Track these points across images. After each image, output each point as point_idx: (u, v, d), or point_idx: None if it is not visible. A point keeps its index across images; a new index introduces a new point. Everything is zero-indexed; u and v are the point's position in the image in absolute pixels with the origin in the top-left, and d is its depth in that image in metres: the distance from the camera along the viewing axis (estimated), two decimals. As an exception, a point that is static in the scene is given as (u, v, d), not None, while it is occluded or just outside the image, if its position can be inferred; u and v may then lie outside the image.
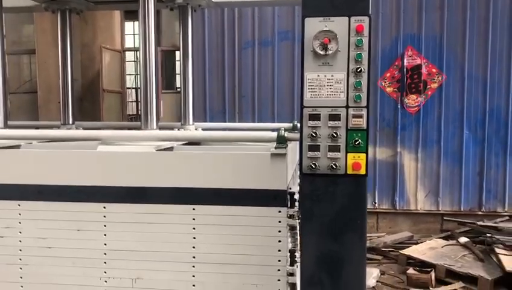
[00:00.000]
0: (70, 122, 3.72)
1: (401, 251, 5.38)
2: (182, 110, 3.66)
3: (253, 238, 2.39)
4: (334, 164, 2.11)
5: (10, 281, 2.53)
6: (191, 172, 2.41)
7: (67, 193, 2.47)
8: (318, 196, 2.15)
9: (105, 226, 2.47)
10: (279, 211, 2.36)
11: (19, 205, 2.51)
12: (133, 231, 2.45)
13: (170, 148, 2.73)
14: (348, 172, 2.11)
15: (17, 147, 2.72)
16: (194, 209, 2.42)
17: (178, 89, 8.58)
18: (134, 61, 10.23)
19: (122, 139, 2.64)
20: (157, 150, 2.48)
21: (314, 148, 2.12)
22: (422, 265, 5.05)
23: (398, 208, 6.59)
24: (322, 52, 2.08)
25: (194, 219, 2.42)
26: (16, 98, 7.12)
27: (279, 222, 2.37)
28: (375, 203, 6.58)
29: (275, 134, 2.41)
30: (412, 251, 5.33)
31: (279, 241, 2.38)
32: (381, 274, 5.06)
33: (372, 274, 4.94)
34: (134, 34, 10.92)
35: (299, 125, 2.44)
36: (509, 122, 6.35)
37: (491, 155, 6.40)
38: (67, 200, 2.47)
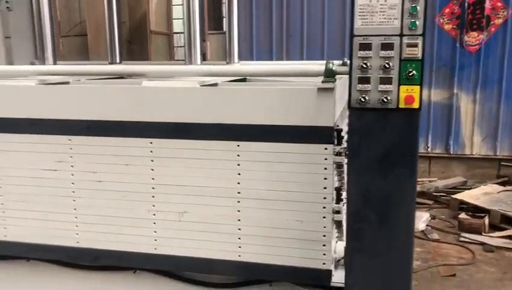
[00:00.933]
0: (117, 61, 3.73)
1: (453, 196, 5.21)
2: (227, 48, 3.58)
3: (298, 175, 2.34)
4: (385, 97, 1.98)
5: (65, 212, 2.64)
6: (236, 108, 2.36)
7: (114, 128, 2.50)
8: (367, 132, 2.05)
9: (152, 161, 2.49)
10: (326, 148, 2.29)
11: (70, 140, 2.57)
12: (179, 166, 2.46)
13: (214, 84, 2.68)
14: (400, 106, 1.99)
15: (66, 83, 2.76)
16: (238, 145, 2.39)
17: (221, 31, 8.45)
18: (181, 5, 10.09)
19: (167, 74, 2.61)
20: (201, 86, 2.43)
21: (364, 80, 2.00)
22: (475, 210, 4.88)
23: (452, 153, 6.34)
24: (375, -25, 1.90)
25: (238, 156, 2.40)
26: (67, 41, 7.26)
27: (325, 159, 2.30)
28: (427, 147, 6.35)
29: (322, 67, 2.29)
30: (465, 196, 5.16)
31: (325, 178, 2.32)
32: (431, 218, 4.94)
33: (422, 218, 4.84)
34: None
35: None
36: None
37: (557, 97, 5.95)
38: (115, 135, 2.51)
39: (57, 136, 2.57)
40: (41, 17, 2.80)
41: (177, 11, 9.36)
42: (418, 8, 1.91)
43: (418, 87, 1.96)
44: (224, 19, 8.29)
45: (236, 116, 2.37)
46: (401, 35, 1.95)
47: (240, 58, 6.74)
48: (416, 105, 1.97)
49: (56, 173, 2.62)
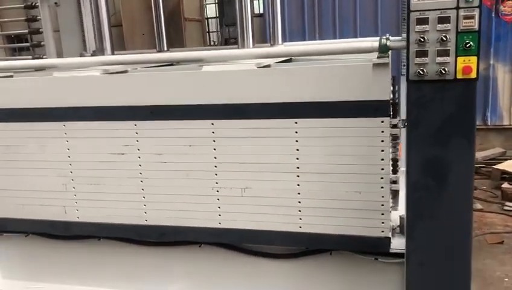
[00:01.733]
0: (165, 48, 3.87)
1: (494, 166, 5.23)
2: (271, 31, 3.67)
3: (356, 149, 2.45)
4: (443, 69, 2.06)
5: (133, 192, 2.82)
6: (292, 87, 2.47)
7: (177, 111, 2.64)
8: (426, 103, 2.14)
9: (214, 141, 2.64)
10: (382, 121, 2.38)
11: (135, 125, 2.73)
12: (239, 145, 2.60)
13: (268, 66, 2.79)
14: (458, 77, 2.07)
15: (125, 72, 2.91)
16: (296, 122, 2.50)
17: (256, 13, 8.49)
18: None
19: (223, 58, 2.73)
20: (258, 68, 2.55)
21: (422, 54, 2.08)
22: (518, 180, 4.90)
23: (489, 124, 6.33)
24: (431, -49, 1.97)
25: (296, 132, 2.51)
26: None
27: (382, 132, 2.39)
28: (464, 119, 6.33)
29: (375, 44, 2.38)
30: (506, 166, 5.18)
31: (382, 150, 2.42)
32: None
33: (463, 189, 4.87)
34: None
35: (391, 38, 2.39)
36: None
37: None
38: (178, 119, 2.66)
39: (123, 122, 2.74)
40: (99, 9, 2.94)
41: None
42: (474, -20, 1.97)
43: (475, 57, 2.04)
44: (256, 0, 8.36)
45: (292, 95, 2.48)
46: (457, 7, 2.02)
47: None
48: (473, 75, 2.05)
49: (123, 157, 2.79)
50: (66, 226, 3.00)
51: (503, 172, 5.06)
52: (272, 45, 3.65)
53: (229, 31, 8.69)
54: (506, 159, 5.66)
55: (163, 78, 2.67)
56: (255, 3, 7.63)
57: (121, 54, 3.38)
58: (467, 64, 2.05)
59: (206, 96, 2.59)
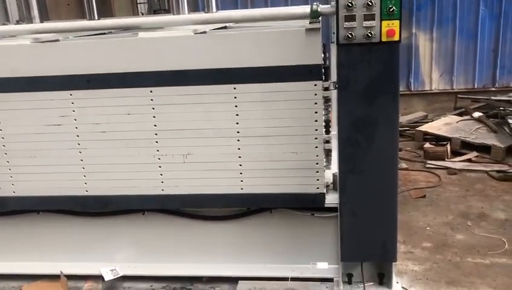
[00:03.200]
0: (96, 18, 3.76)
1: (417, 128, 5.63)
2: (205, -2, 3.67)
3: (291, 112, 2.58)
4: (370, 32, 2.22)
5: (72, 164, 2.79)
6: (230, 53, 2.54)
7: (114, 80, 2.63)
8: (354, 65, 2.30)
9: (153, 109, 2.66)
10: (315, 85, 2.52)
11: (71, 95, 2.68)
12: (179, 111, 2.64)
13: (204, 32, 2.83)
14: (383, 39, 2.24)
15: (56, 40, 2.83)
16: (234, 88, 2.58)
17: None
18: None
19: (160, 24, 2.73)
20: (195, 33, 2.58)
21: (350, 18, 2.22)
22: (438, 140, 5.31)
23: (413, 90, 6.74)
24: None
25: (235, 97, 2.60)
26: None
27: (315, 94, 2.54)
28: (390, 86, 6.71)
29: (307, 9, 2.49)
30: (428, 127, 5.58)
31: (316, 112, 2.56)
32: (399, 151, 5.35)
33: (390, 150, 5.21)
34: None
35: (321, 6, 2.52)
36: (527, -5, 6.24)
37: (506, 30, 6.38)
38: (115, 87, 2.64)
39: (58, 92, 2.68)
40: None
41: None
42: (396, -52, 2.12)
43: (398, 21, 2.21)
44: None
45: (230, 60, 2.55)
46: (381, -26, 2.17)
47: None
48: (396, 38, 2.23)
49: (60, 128, 2.74)
50: (1, 202, 2.92)
51: (425, 133, 5.46)
52: (206, 13, 3.66)
53: (157, 2, 8.50)
54: (428, 122, 6.08)
55: (98, 45, 2.63)
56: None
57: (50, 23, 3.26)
58: (391, 28, 2.21)
59: (143, 63, 2.59)
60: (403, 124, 6.19)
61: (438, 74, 6.64)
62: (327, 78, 2.67)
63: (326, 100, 2.67)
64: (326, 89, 2.59)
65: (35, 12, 2.87)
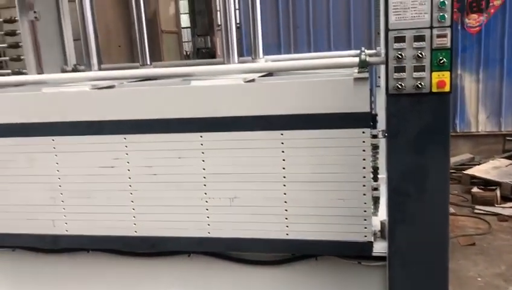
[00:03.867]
0: (148, 62, 3.94)
1: (464, 172, 5.48)
2: (252, 44, 3.80)
3: (339, 158, 2.59)
4: (420, 83, 2.23)
5: (123, 204, 2.88)
6: (277, 100, 2.60)
7: (166, 125, 2.73)
8: (404, 115, 2.30)
9: (203, 153, 2.73)
10: (363, 132, 2.53)
11: (125, 139, 2.80)
12: (228, 156, 2.70)
13: (252, 80, 2.91)
14: (433, 90, 2.24)
15: (112, 87, 2.98)
16: (282, 134, 2.63)
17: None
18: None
19: (211, 73, 2.84)
20: (245, 82, 2.67)
21: (400, 69, 2.24)
22: (486, 184, 5.15)
23: (458, 131, 6.62)
24: (406, -25, 2.14)
25: (282, 143, 2.64)
26: (77, 44, 7.42)
27: (363, 142, 2.54)
28: (434, 127, 6.61)
29: (356, 59, 2.53)
30: (475, 171, 5.43)
31: (364, 159, 2.56)
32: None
33: (436, 194, 5.09)
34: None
35: (366, 51, 2.56)
36: None
37: (556, 72, 6.23)
38: (168, 132, 2.74)
39: (113, 136, 2.81)
40: (85, 24, 3.01)
41: (184, 7, 9.67)
42: (446, 2, 2.15)
43: (449, 73, 2.21)
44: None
45: (278, 108, 2.60)
46: (431, 27, 2.19)
47: (249, 53, 7.01)
48: (447, 89, 2.23)
49: (113, 170, 2.85)
50: (54, 240, 3.03)
51: (473, 177, 5.31)
52: (253, 59, 3.78)
53: (201, 41, 8.81)
54: (474, 165, 5.94)
55: (152, 93, 2.75)
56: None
57: (107, 70, 3.44)
58: (441, 79, 2.22)
59: (194, 110, 2.69)
60: (448, 166, 6.05)
61: (485, 116, 6.50)
62: (375, 125, 2.67)
63: (374, 147, 2.67)
64: (374, 136, 2.59)
65: (94, 60, 3.03)
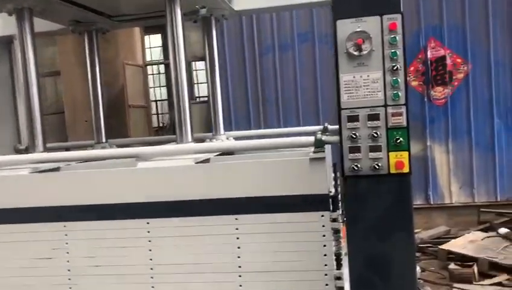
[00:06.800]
0: (103, 140, 3.77)
1: (440, 246, 5.29)
2: (213, 120, 3.68)
3: (298, 245, 2.38)
4: (377, 164, 2.09)
5: (61, 301, 2.57)
6: (231, 182, 2.42)
7: (110, 211, 2.50)
8: (362, 198, 2.14)
9: (149, 241, 2.49)
10: (322, 216, 2.35)
11: (65, 226, 2.55)
12: (177, 244, 2.47)
13: (207, 160, 2.75)
14: (391, 171, 2.09)
15: (57, 169, 2.77)
16: (236, 219, 2.43)
17: (198, 99, 8.65)
18: (157, 74, 10.51)
19: (161, 154, 2.67)
20: (196, 163, 2.50)
21: (355, 149, 2.11)
22: (463, 259, 4.95)
23: (432, 203, 6.49)
24: (356, 53, 2.07)
25: (237, 229, 2.43)
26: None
27: (323, 226, 2.36)
28: (408, 199, 6.49)
29: (311, 138, 2.40)
30: (452, 246, 5.24)
31: (324, 245, 2.36)
32: (421, 271, 4.98)
33: (412, 271, 4.85)
34: (156, 47, 11.22)
35: (329, 127, 2.44)
36: (540, 107, 6.20)
37: (524, 141, 6.27)
38: (111, 219, 2.51)
39: (51, 224, 2.56)
40: (31, 103, 2.85)
41: (151, 80, 9.76)
42: (399, 80, 2.06)
43: (407, 153, 2.08)
44: (195, 85, 8.56)
45: (232, 190, 2.42)
46: (385, 105, 2.08)
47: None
48: (406, 170, 2.08)
49: (51, 261, 2.57)
50: None
51: (449, 252, 5.11)
52: (213, 135, 3.65)
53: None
54: (451, 238, 5.76)
55: (95, 176, 2.55)
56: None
57: (54, 149, 3.25)
58: (399, 160, 2.08)
59: (141, 194, 2.48)
60: (424, 240, 5.86)
61: (458, 187, 6.42)
62: (336, 207, 2.50)
63: (336, 231, 2.47)
64: (334, 220, 2.40)
65: (39, 140, 2.84)
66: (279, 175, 2.39)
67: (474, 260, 4.83)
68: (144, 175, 2.48)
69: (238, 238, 2.43)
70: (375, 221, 2.12)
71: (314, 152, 2.36)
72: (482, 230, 5.78)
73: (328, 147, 2.51)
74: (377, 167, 2.09)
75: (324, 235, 2.36)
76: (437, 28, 6.36)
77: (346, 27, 2.07)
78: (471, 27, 6.27)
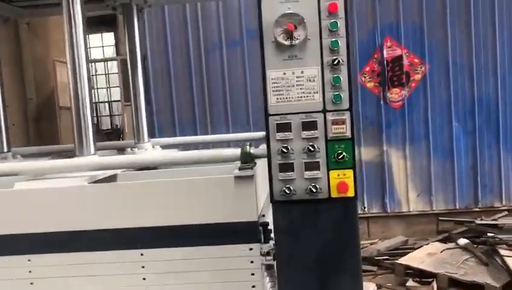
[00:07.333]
0: (5, 149, 3.16)
1: (397, 261, 4.91)
2: (135, 126, 3.15)
3: (221, 286, 1.89)
4: (314, 186, 1.61)
5: None
6: (135, 208, 1.91)
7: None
8: (296, 229, 1.66)
9: (32, 284, 1.95)
10: (251, 249, 1.87)
11: None
12: (64, 287, 1.92)
13: (113, 177, 2.21)
14: (332, 195, 1.63)
15: None
16: (142, 254, 1.91)
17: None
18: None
19: (50, 171, 2.11)
20: (90, 183, 1.95)
21: (287, 167, 1.63)
22: (422, 274, 4.59)
23: (389, 211, 6.13)
24: (286, 43, 1.59)
25: (143, 267, 1.92)
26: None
27: (252, 262, 1.88)
28: (364, 207, 6.11)
29: (237, 151, 1.91)
30: (409, 260, 4.87)
31: (253, 286, 1.88)
32: (377, 288, 4.59)
33: (368, 289, 4.46)
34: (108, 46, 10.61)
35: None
36: (499, 110, 5.94)
37: (483, 147, 5.98)
38: (-20, 255, 1.94)
39: None
40: None
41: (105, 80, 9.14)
42: (341, 78, 1.60)
43: (351, 171, 1.62)
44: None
45: (136, 218, 1.90)
46: (324, 111, 1.62)
47: (162, 131, 6.34)
48: (351, 193, 1.62)
49: None
50: None
51: (407, 267, 4.75)
52: (135, 143, 3.10)
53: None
54: (408, 249, 5.41)
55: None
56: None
57: None
58: (342, 180, 1.62)
59: (19, 223, 1.93)
60: (381, 252, 5.49)
61: (415, 194, 6.09)
62: (269, 237, 2.01)
63: (269, 268, 1.99)
64: (266, 253, 1.91)
65: None
66: (196, 198, 1.89)
67: (433, 275, 4.47)
68: (19, 199, 1.92)
69: (144, 279, 1.92)
70: (311, 260, 1.64)
71: (240, 168, 1.87)
72: (440, 241, 5.46)
73: (263, 161, 2.02)
74: (314, 190, 1.61)
75: (253, 274, 1.88)
76: (393, 26, 6.01)
77: (273, 8, 1.59)
78: (428, 26, 5.95)
